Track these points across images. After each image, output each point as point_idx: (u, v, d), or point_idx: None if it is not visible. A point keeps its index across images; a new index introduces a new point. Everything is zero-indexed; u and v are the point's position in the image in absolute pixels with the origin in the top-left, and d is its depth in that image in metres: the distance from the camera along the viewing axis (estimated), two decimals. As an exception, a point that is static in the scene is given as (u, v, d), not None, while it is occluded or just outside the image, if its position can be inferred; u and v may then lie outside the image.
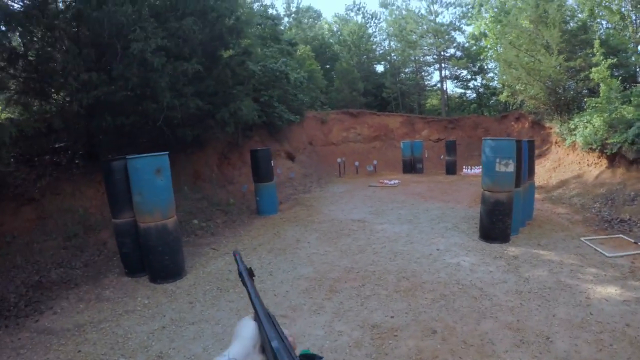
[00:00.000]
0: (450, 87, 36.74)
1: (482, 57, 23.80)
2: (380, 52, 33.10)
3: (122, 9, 6.71)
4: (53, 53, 7.23)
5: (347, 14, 36.10)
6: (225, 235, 9.02)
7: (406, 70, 31.04)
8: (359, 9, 35.88)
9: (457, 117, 23.40)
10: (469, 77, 28.78)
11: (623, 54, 13.23)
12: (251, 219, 10.60)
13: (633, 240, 7.11)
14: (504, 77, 17.27)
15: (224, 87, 9.95)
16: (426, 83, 31.45)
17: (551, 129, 15.38)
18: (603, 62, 10.68)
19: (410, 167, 18.50)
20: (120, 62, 7.22)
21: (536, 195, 11.04)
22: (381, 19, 34.93)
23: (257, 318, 0.80)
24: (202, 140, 11.33)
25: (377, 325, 4.95)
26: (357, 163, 19.24)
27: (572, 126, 12.60)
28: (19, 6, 6.67)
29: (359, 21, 34.15)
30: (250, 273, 0.89)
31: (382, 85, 28.15)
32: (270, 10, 19.99)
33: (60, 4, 7.33)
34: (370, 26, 34.33)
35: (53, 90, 7.44)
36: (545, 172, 13.93)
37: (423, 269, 6.63)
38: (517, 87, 16.05)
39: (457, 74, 29.31)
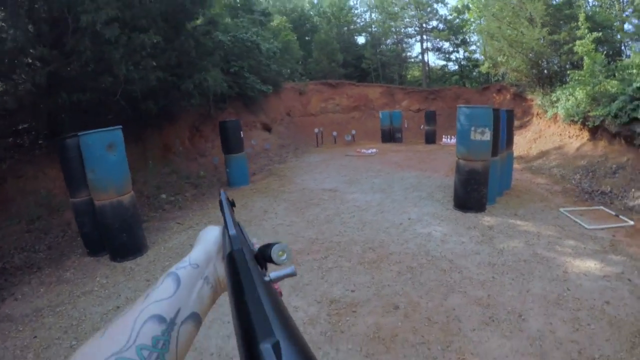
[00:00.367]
0: (432, 59, 36.10)
1: (464, 29, 23.20)
2: (361, 24, 31.87)
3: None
4: (2, 28, 6.67)
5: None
6: (192, 209, 8.61)
7: (387, 42, 30.03)
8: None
9: (438, 88, 22.87)
10: (451, 49, 28.10)
11: (608, 30, 12.77)
12: (222, 191, 10.00)
13: (614, 213, 6.73)
14: (486, 48, 16.83)
15: (187, 58, 9.49)
16: (407, 55, 30.65)
17: (533, 101, 14.95)
18: (588, 36, 10.26)
19: (389, 136, 18.04)
20: (72, 37, 6.81)
21: (515, 165, 10.70)
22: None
23: (224, 227, 0.71)
24: (171, 113, 10.95)
25: (336, 300, 4.52)
26: (335, 133, 18.65)
27: (554, 98, 12.20)
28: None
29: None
30: (232, 203, 0.87)
31: (362, 56, 27.36)
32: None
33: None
34: (352, -2, 33.07)
35: (2, 69, 6.90)
36: (525, 142, 13.52)
37: (391, 239, 6.16)
38: (499, 59, 15.60)
39: (439, 46, 28.56)
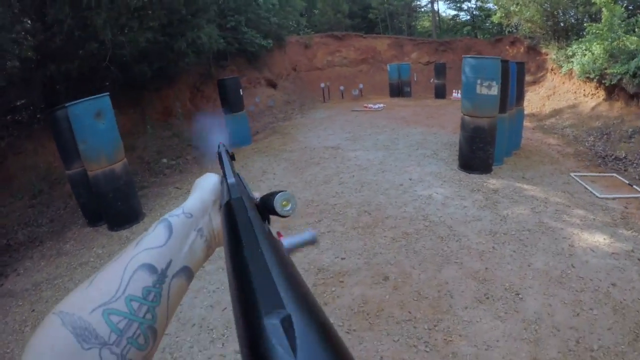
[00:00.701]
0: (443, 8, 34.39)
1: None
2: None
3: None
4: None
5: None
6: (192, 172, 8.38)
7: (395, -11, 28.41)
8: None
9: (449, 40, 21.75)
10: None
11: (630, -17, 11.78)
12: None
13: (627, 182, 6.32)
14: (499, -4, 15.85)
15: (178, 16, 9.00)
16: (417, 4, 29.00)
17: (547, 55, 14.12)
18: (607, -15, 9.40)
19: (398, 90, 17.25)
20: (51, 6, 6.56)
21: (527, 124, 10.24)
22: None
23: (223, 177, 0.66)
24: (169, 74, 10.60)
25: (325, 268, 4.33)
26: (342, 88, 17.88)
27: (570, 53, 11.46)
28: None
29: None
30: (232, 157, 0.82)
31: (369, 6, 25.88)
32: None
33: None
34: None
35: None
36: (538, 99, 12.91)
37: (389, 201, 5.86)
38: (512, 8, 14.64)
39: None
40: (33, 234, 6.15)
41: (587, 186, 6.14)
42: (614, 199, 5.74)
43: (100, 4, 6.64)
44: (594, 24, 9.94)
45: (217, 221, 0.61)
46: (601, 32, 9.41)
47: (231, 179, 0.59)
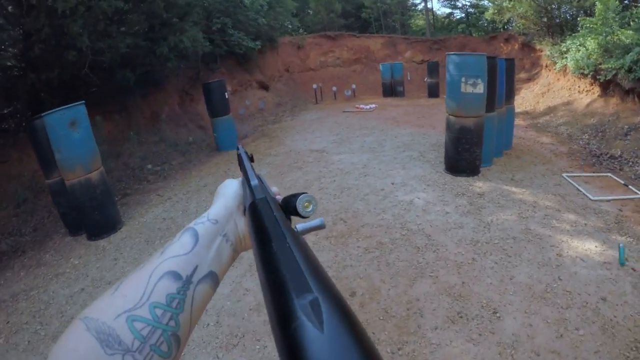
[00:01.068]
0: (437, 6, 34.10)
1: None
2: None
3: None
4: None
5: None
6: (175, 179, 8.13)
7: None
8: None
9: (443, 38, 21.34)
10: None
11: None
12: (209, 157, 9.67)
13: (623, 182, 5.93)
14: (492, -9, 15.57)
15: (159, 20, 8.84)
16: (411, 2, 28.59)
17: (542, 51, 13.80)
18: (600, -23, 9.10)
19: (391, 90, 16.91)
20: (27, 15, 6.53)
21: (521, 122, 9.92)
22: None
23: (244, 180, 0.68)
24: (156, 79, 10.51)
25: None
26: (334, 88, 17.57)
27: (564, 49, 11.14)
28: None
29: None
30: (251, 158, 0.81)
31: (363, 5, 25.51)
32: None
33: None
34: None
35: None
36: (533, 97, 12.53)
37: (368, 208, 5.50)
38: (504, 4, 14.31)
39: None
40: (16, 243, 6.00)
41: (579, 188, 5.75)
42: (608, 201, 5.36)
43: (76, 12, 6.54)
44: (588, 18, 9.62)
45: (241, 225, 0.61)
46: (595, 26, 9.09)
47: (254, 181, 0.59)
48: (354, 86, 17.70)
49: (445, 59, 6.52)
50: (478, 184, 6.03)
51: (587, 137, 8.04)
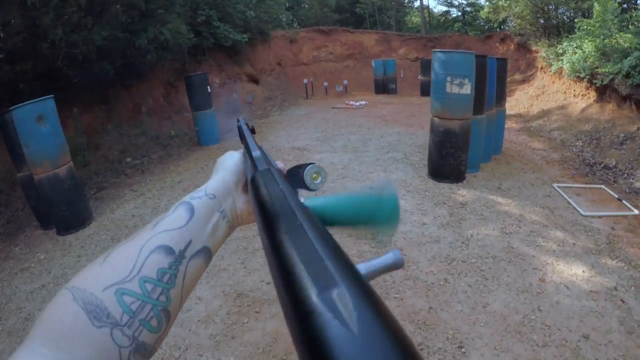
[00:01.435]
0: (433, 4, 33.59)
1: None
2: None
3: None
4: None
5: None
6: (153, 173, 7.84)
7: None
8: None
9: (438, 36, 20.88)
10: None
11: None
12: (190, 151, 9.34)
13: (616, 196, 5.52)
14: (487, -11, 15.26)
15: (137, 12, 8.57)
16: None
17: (537, 52, 13.40)
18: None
19: (383, 87, 16.45)
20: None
21: (513, 125, 9.51)
22: None
23: (245, 152, 0.63)
24: (138, 70, 10.18)
25: (245, 293, 3.68)
26: (326, 84, 17.07)
27: (560, 51, 10.74)
28: None
29: None
30: (252, 130, 0.78)
31: (358, 0, 24.95)
32: None
33: None
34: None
35: None
36: (527, 99, 12.08)
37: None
38: (500, 3, 13.88)
39: None
40: (-12, 237, 5.78)
41: (570, 201, 5.34)
42: (600, 217, 4.95)
43: (48, 4, 6.37)
44: (585, 20, 9.22)
45: (240, 202, 0.59)
46: (593, 28, 8.69)
47: (256, 152, 0.56)
48: (345, 82, 17.25)
49: (440, 57, 6.07)
50: (461, 192, 5.60)
51: (580, 144, 7.62)
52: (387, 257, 0.39)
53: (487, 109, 6.37)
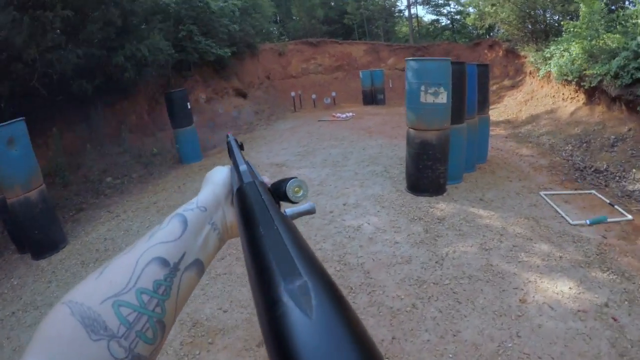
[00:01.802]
0: (422, 13, 33.65)
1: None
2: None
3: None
4: None
5: None
6: (132, 193, 7.54)
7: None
8: None
9: (426, 44, 20.59)
10: (441, 1, 25.18)
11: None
12: (171, 169, 9.04)
13: (608, 201, 5.12)
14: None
15: (114, 29, 8.39)
16: (395, 9, 27.66)
17: (525, 57, 13.10)
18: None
19: (371, 98, 16.19)
20: None
21: (501, 131, 9.16)
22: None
23: (233, 168, 0.67)
24: (120, 87, 9.89)
25: (201, 322, 3.41)
26: (314, 96, 16.82)
27: (548, 55, 10.44)
28: None
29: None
30: (240, 146, 0.83)
31: (346, 12, 24.59)
32: None
33: None
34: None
35: None
36: (515, 104, 11.75)
37: (308, 234, 4.71)
38: (486, 9, 13.64)
39: None
40: (-32, 261, 5.59)
41: (558, 209, 4.94)
42: (590, 225, 4.53)
43: (21, 23, 6.24)
44: (572, 22, 8.90)
45: (229, 215, 0.60)
46: (580, 30, 8.36)
47: (242, 166, 0.60)
48: (333, 94, 16.98)
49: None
50: (440, 206, 5.19)
51: (570, 148, 7.24)
52: (305, 205, 0.51)
53: (469, 117, 6.02)
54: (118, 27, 8.39)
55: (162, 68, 11.36)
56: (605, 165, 6.15)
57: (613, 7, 10.11)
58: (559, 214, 4.84)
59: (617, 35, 7.50)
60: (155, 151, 9.94)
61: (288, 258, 0.29)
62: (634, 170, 5.71)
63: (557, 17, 12.29)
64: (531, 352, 2.68)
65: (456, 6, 23.34)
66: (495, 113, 11.47)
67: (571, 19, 11.04)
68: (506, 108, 11.74)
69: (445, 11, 25.35)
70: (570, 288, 3.37)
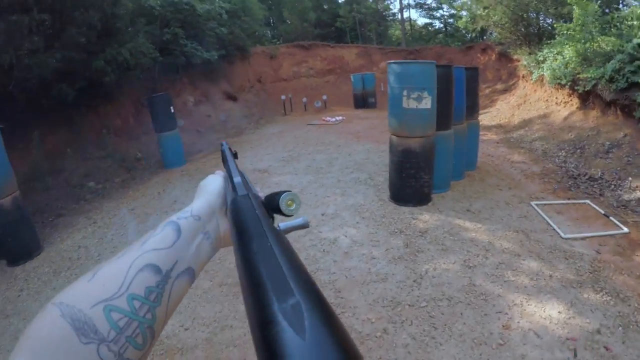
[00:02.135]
0: (415, 16, 33.57)
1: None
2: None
3: None
4: None
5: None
6: (112, 199, 7.25)
7: (366, -3, 27.08)
8: None
9: (419, 48, 20.39)
10: (434, 5, 25.18)
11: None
12: (153, 174, 8.73)
13: (603, 212, 4.80)
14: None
15: (95, 33, 8.18)
16: (388, 12, 27.59)
17: (519, 61, 12.86)
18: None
19: (363, 101, 15.96)
20: None
21: (493, 136, 8.86)
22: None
23: (227, 177, 0.68)
24: (105, 91, 9.77)
25: (160, 341, 3.11)
26: (305, 99, 16.54)
27: (541, 58, 10.21)
28: None
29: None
30: (234, 155, 0.82)
31: (339, 15, 24.56)
32: None
33: None
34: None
35: None
36: (508, 109, 11.46)
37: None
38: (478, 12, 13.39)
39: (421, 1, 25.72)
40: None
41: (550, 221, 4.63)
42: (583, 239, 4.22)
43: None
44: (565, 24, 8.61)
45: (223, 225, 0.59)
46: (573, 32, 8.07)
47: (237, 178, 0.59)
48: (325, 97, 16.70)
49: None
50: (424, 217, 4.86)
51: (564, 154, 6.93)
52: (299, 220, 0.50)
53: (457, 123, 5.70)
54: (99, 30, 8.17)
55: (148, 71, 11.20)
56: (599, 173, 5.84)
57: (607, 10, 9.86)
58: (551, 226, 4.52)
59: (612, 38, 7.22)
60: (139, 155, 9.67)
61: (281, 276, 0.29)
62: (630, 178, 5.39)
63: (550, 20, 12.06)
64: (513, 391, 2.34)
65: (449, 9, 23.16)
66: (488, 117, 11.18)
67: (565, 22, 10.79)
68: (499, 112, 11.45)
69: (438, 14, 25.24)
70: (559, 312, 3.05)
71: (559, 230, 4.37)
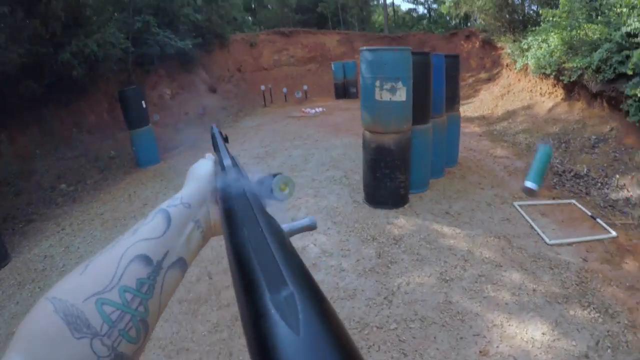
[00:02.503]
0: (399, 1, 33.14)
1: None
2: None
3: None
4: None
5: None
6: (83, 202, 6.90)
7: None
8: None
9: (401, 35, 19.99)
10: None
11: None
12: (126, 174, 8.32)
13: (589, 213, 4.51)
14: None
15: (59, 24, 7.78)
16: None
17: (503, 49, 12.55)
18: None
19: (343, 91, 15.50)
20: None
21: (475, 128, 8.57)
22: None
23: (218, 162, 0.65)
24: (78, 86, 9.26)
25: None
26: (285, 90, 16.08)
27: (525, 46, 9.88)
28: None
29: None
30: (225, 139, 0.79)
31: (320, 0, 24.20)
32: None
33: None
34: None
35: None
36: (492, 99, 11.15)
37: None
38: (461, -3, 13.14)
39: None
40: None
41: (533, 224, 4.33)
42: (569, 244, 3.93)
43: None
44: (551, 10, 8.26)
45: (213, 212, 0.57)
46: (559, 19, 7.76)
47: (227, 161, 0.58)
48: (305, 87, 16.22)
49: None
50: (399, 222, 4.53)
51: (548, 149, 6.65)
52: (304, 221, 0.47)
53: (436, 116, 5.35)
54: (63, 21, 7.77)
55: (121, 63, 10.73)
56: (585, 169, 5.55)
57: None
58: (535, 230, 4.22)
59: (600, 26, 6.89)
60: (113, 154, 9.26)
61: (274, 264, 0.28)
62: (617, 176, 5.11)
63: (536, 6, 11.76)
64: None
65: (433, -5, 22.84)
66: (471, 108, 10.88)
67: (551, 8, 10.49)
68: (482, 103, 11.15)
69: (422, 0, 24.79)
70: (543, 334, 2.75)
71: (543, 236, 4.07)
